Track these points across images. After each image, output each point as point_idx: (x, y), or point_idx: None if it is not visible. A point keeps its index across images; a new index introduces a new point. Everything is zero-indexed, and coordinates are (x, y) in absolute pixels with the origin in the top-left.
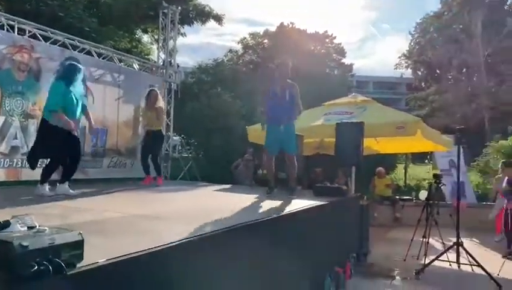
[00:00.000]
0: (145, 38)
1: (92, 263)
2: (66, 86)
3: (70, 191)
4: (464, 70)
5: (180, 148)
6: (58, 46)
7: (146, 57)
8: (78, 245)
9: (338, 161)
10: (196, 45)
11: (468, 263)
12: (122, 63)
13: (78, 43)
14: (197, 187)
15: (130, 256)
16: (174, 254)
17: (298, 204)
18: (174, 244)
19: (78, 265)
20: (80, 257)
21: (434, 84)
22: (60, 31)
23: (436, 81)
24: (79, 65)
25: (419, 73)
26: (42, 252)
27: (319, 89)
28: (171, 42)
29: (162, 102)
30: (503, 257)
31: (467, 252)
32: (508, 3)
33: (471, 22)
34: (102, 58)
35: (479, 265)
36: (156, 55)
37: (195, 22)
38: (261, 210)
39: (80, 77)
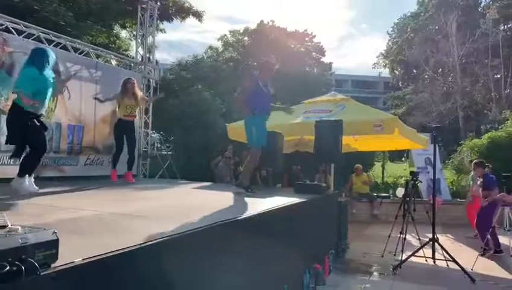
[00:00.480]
0: (124, 33)
1: (67, 263)
2: (39, 71)
3: (34, 187)
4: (440, 70)
5: (159, 145)
6: (33, 40)
7: (124, 53)
8: (53, 245)
9: (317, 159)
10: (176, 42)
11: (444, 258)
12: (99, 59)
13: (53, 38)
14: (177, 185)
15: (107, 255)
16: (152, 253)
17: (278, 201)
18: (152, 243)
19: (53, 265)
20: (55, 257)
21: (411, 84)
22: (34, 25)
23: (413, 80)
24: (49, 49)
25: (397, 72)
26: (14, 252)
27: (299, 86)
28: (150, 38)
29: (140, 92)
30: (481, 254)
31: (442, 248)
32: (481, 6)
33: (447, 24)
34: (79, 54)
35: (453, 260)
36: (135, 51)
37: (174, 18)
38: (241, 208)
39: (51, 61)
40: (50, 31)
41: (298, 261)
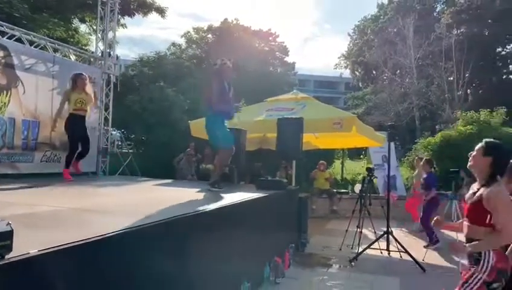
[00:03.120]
0: (83, 28)
1: (22, 254)
2: None
3: None
4: (398, 71)
5: (119, 143)
6: None
7: (84, 48)
8: (7, 236)
9: (279, 155)
10: (138, 37)
11: (397, 250)
12: (57, 53)
13: (7, 29)
14: (137, 182)
15: (64, 247)
16: (109, 245)
17: (240, 197)
18: (109, 235)
19: (7, 256)
20: (9, 248)
21: (370, 84)
22: None
23: (372, 81)
24: None
25: (357, 73)
26: None
27: (262, 85)
28: (110, 33)
29: (91, 89)
30: (426, 246)
31: (396, 240)
32: (436, 11)
33: (404, 27)
34: (35, 47)
35: (406, 252)
36: (95, 46)
37: (136, 14)
38: (202, 203)
39: None
40: (4, 23)
41: (259, 254)
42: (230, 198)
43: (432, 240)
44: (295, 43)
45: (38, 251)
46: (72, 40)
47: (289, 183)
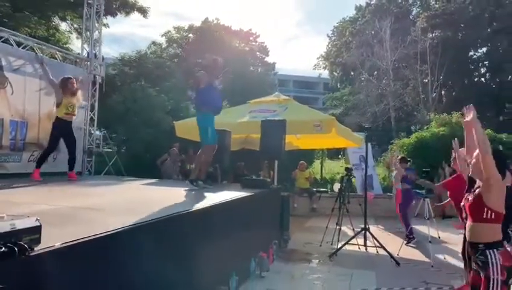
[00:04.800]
0: (64, 26)
1: (49, 246)
2: None
3: None
4: (375, 73)
5: (101, 143)
6: None
7: (64, 46)
8: (36, 230)
9: (263, 155)
10: (118, 35)
11: (374, 245)
12: (44, 54)
13: None
14: (125, 182)
15: (82, 240)
16: (119, 239)
17: (228, 196)
18: (118, 231)
19: (36, 248)
20: (38, 241)
21: (348, 85)
22: None
23: (350, 82)
24: None
25: (335, 74)
26: (6, 236)
27: (243, 85)
28: (96, 34)
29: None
30: (406, 243)
31: (373, 236)
32: (412, 14)
33: (381, 29)
34: (22, 48)
35: (382, 247)
36: (76, 44)
37: (118, 13)
38: (193, 202)
39: None
40: None
41: (245, 250)
42: (219, 197)
43: (411, 234)
44: (276, 43)
45: (61, 243)
46: (52, 38)
47: (272, 182)
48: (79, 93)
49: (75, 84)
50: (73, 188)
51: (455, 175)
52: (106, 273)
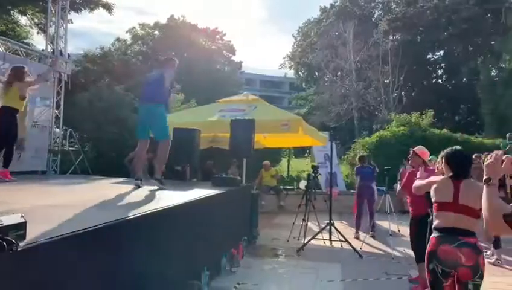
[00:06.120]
0: (23, 20)
1: (34, 242)
2: None
3: None
4: (339, 73)
5: (63, 141)
6: None
7: (24, 41)
8: (22, 226)
9: (232, 154)
10: (77, 30)
11: (338, 240)
12: (7, 51)
13: None
14: (93, 180)
15: (65, 236)
16: (94, 237)
17: (199, 193)
18: (95, 227)
19: (21, 244)
20: (23, 237)
21: (313, 85)
22: None
23: (315, 82)
24: None
25: (301, 74)
26: None
27: (209, 84)
28: (61, 30)
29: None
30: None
31: (337, 231)
32: (374, 17)
33: (345, 31)
34: None
35: (346, 241)
36: (35, 40)
37: (83, 9)
38: (165, 200)
39: None
40: None
41: (216, 246)
42: (190, 195)
43: (358, 229)
44: (241, 42)
45: (45, 239)
46: (12, 33)
47: (241, 180)
48: (27, 83)
49: (25, 74)
50: (43, 187)
51: (408, 173)
52: (85, 268)
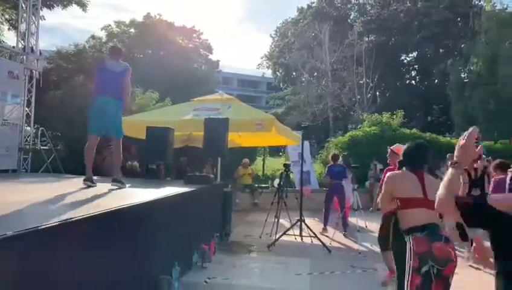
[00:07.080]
0: None
1: (1, 235)
2: None
3: None
4: (315, 74)
5: (35, 140)
6: None
7: None
8: None
9: (206, 153)
10: (50, 25)
11: (309, 235)
12: None
13: None
14: (66, 179)
15: (31, 229)
16: (64, 231)
17: (170, 191)
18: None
19: None
20: None
21: (290, 85)
22: None
23: (292, 82)
24: None
25: (278, 74)
26: None
27: (186, 82)
28: (33, 27)
29: None
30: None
31: (307, 227)
32: (350, 18)
33: (321, 32)
34: None
35: (316, 237)
36: (6, 36)
37: (55, 6)
38: (136, 196)
39: None
40: None
41: (188, 242)
42: (163, 192)
43: (325, 224)
44: (219, 40)
45: (14, 232)
46: None
47: (215, 178)
48: None
49: None
50: (15, 185)
51: (385, 170)
52: (53, 262)
